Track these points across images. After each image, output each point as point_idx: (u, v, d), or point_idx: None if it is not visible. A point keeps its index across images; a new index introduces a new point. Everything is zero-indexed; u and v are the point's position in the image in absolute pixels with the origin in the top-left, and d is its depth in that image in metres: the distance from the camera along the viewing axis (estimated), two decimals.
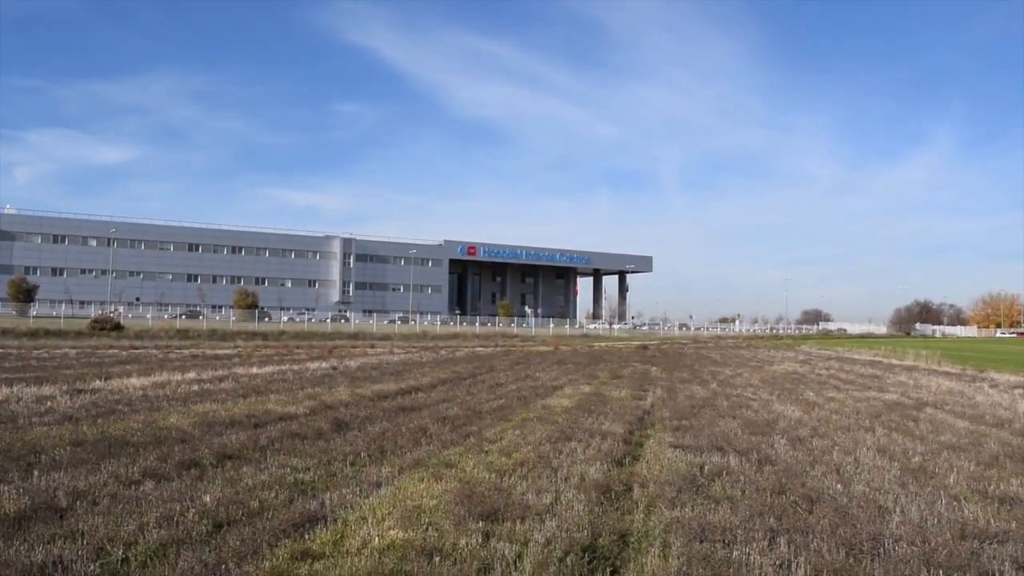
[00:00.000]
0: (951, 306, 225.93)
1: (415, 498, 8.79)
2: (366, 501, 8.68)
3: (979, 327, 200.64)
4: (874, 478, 10.36)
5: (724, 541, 7.30)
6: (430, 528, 7.58)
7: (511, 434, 13.71)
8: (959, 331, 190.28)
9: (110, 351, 37.27)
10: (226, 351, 40.75)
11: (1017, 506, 9.09)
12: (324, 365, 30.32)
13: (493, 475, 10.06)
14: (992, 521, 8.33)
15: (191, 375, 23.72)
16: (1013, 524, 8.25)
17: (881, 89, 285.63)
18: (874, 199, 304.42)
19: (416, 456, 11.53)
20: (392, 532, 7.40)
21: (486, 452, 11.94)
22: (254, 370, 26.92)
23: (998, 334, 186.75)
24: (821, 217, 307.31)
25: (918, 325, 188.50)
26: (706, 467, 10.91)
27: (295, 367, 28.99)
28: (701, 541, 7.27)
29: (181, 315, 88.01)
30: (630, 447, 12.81)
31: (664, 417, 16.79)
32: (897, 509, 8.62)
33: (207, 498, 8.48)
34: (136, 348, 40.77)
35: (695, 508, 8.54)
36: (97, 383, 20.39)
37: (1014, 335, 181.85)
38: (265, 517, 7.94)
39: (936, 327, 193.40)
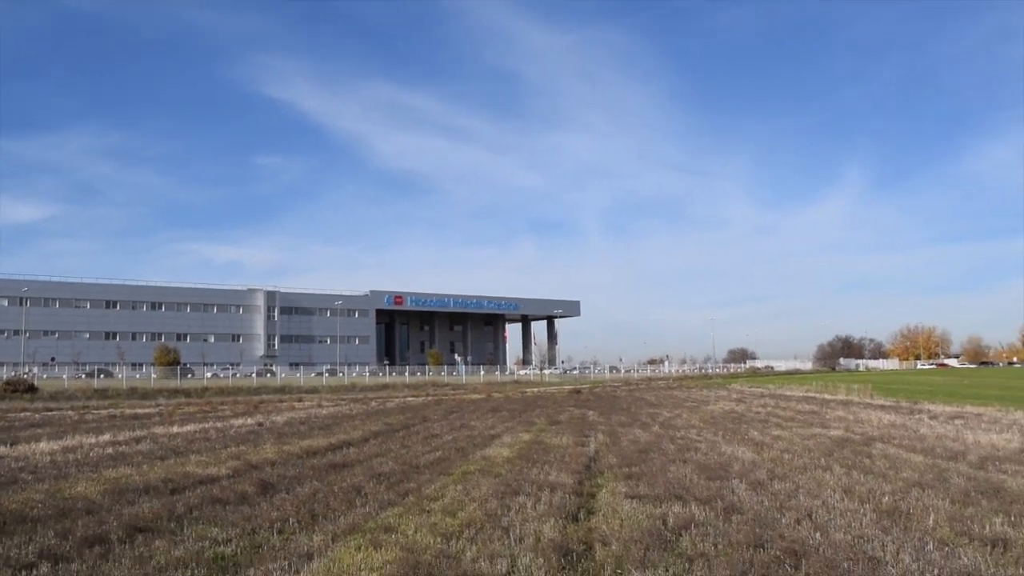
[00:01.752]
0: (871, 340, 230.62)
1: (352, 572, 7.76)
2: None
3: (900, 359, 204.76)
4: (851, 523, 9.61)
5: None
6: None
7: (453, 490, 12.70)
8: (881, 364, 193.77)
9: (22, 414, 35.17)
10: (147, 410, 38.90)
11: (1011, 548, 8.39)
12: (249, 421, 28.97)
13: (439, 539, 9.04)
14: (992, 567, 7.60)
15: (106, 437, 22.35)
16: (1022, 570, 7.53)
17: (793, 133, 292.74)
18: (792, 239, 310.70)
19: (351, 520, 10.44)
20: None
21: (428, 512, 10.90)
22: (174, 429, 25.53)
23: (918, 365, 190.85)
24: (742, 258, 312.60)
25: (842, 360, 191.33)
26: (669, 519, 10.04)
27: (219, 424, 27.67)
28: None
29: (91, 375, 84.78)
30: (582, 499, 11.89)
31: (612, 464, 15.93)
32: (888, 559, 7.86)
33: None
34: (51, 410, 38.63)
35: (668, 569, 7.65)
36: (1, 449, 18.92)
37: (933, 366, 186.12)
38: None
39: (859, 361, 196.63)
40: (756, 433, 22.48)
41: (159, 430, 25.21)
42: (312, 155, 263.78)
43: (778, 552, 8.06)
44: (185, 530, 9.90)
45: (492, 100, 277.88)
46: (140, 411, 37.93)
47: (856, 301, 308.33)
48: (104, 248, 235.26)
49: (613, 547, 8.66)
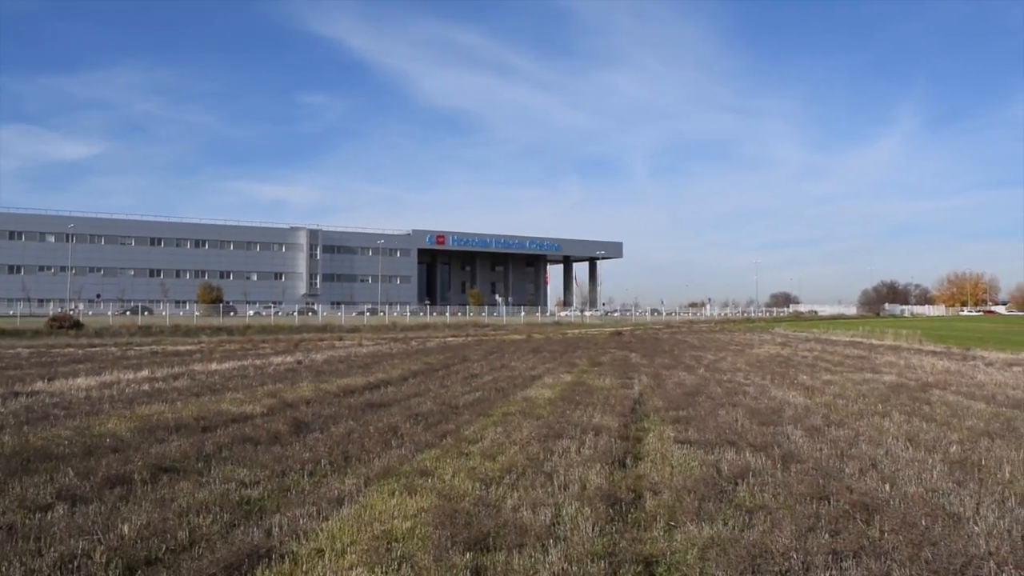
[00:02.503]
0: (917, 286, 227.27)
1: (385, 519, 7.23)
2: (324, 526, 7.08)
3: (946, 306, 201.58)
4: (920, 475, 8.90)
5: (780, 572, 5.79)
6: (403, 565, 6.00)
7: (493, 432, 12.17)
8: (927, 310, 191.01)
9: (66, 350, 35.23)
10: (188, 347, 38.87)
11: None
12: (289, 359, 28.71)
13: (477, 485, 8.50)
14: None
15: (144, 373, 22.16)
16: None
17: (846, 72, 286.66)
18: (840, 182, 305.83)
19: (386, 462, 9.93)
20: (355, 572, 5.84)
21: (466, 455, 10.37)
22: (213, 366, 25.34)
23: (964, 312, 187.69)
24: (788, 201, 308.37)
25: (887, 305, 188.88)
26: (723, 466, 9.41)
27: (258, 362, 27.44)
28: (753, 573, 5.75)
29: (134, 311, 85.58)
30: (629, 443, 11.29)
31: (658, 407, 15.32)
32: (968, 515, 7.18)
33: (126, 528, 6.87)
34: (94, 346, 38.77)
35: (727, 523, 7.03)
36: (39, 384, 18.73)
37: (980, 312, 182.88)
38: (193, 554, 6.35)
39: (904, 307, 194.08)
40: (805, 377, 21.74)
41: (198, 367, 25.03)
42: (357, 93, 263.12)
43: (846, 505, 7.39)
44: (212, 471, 9.45)
45: (541, 37, 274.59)
46: (181, 348, 37.90)
47: (903, 246, 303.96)
48: (151, 185, 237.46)
49: (664, 496, 8.06)
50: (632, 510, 7.64)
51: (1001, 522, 6.92)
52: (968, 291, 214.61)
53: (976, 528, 6.71)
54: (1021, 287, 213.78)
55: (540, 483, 8.57)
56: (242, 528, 7.06)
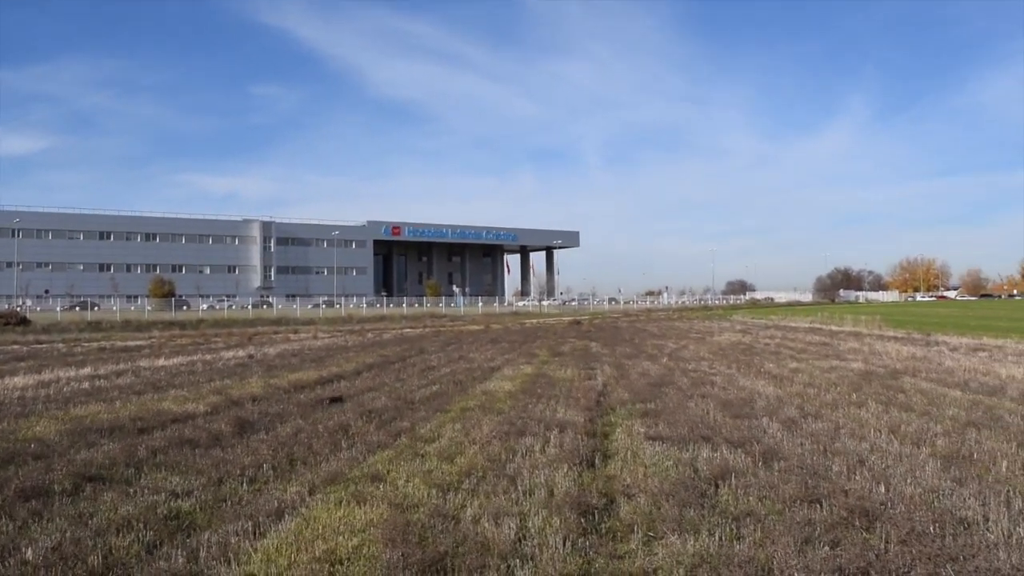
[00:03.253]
0: (870, 272, 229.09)
1: (328, 536, 6.41)
2: (260, 544, 6.25)
3: (899, 292, 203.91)
4: (913, 472, 8.24)
5: None
6: None
7: (451, 429, 11.40)
8: (881, 296, 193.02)
9: (11, 347, 33.82)
10: (138, 342, 37.67)
11: None
12: (240, 354, 27.80)
13: (434, 492, 7.70)
14: None
15: (87, 371, 21.28)
16: None
17: (796, 61, 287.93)
18: (793, 171, 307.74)
19: (334, 466, 9.11)
20: None
21: (422, 456, 9.57)
22: (160, 362, 24.38)
23: (918, 298, 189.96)
24: (742, 189, 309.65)
25: (841, 292, 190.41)
26: (700, 466, 8.70)
27: (208, 357, 26.53)
28: None
29: (83, 307, 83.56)
30: (597, 440, 10.55)
31: (624, 399, 14.62)
32: (978, 519, 6.52)
33: (30, 552, 5.99)
34: (40, 343, 37.33)
35: (713, 533, 6.27)
36: None
37: (933, 298, 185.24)
38: None
39: (859, 293, 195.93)
40: (772, 365, 21.20)
41: (144, 363, 24.07)
42: (309, 84, 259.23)
43: (842, 511, 6.67)
44: (142, 479, 8.60)
45: (492, 27, 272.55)
46: (131, 343, 36.71)
47: (856, 233, 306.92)
48: (101, 179, 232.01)
49: (640, 501, 7.31)
50: (605, 519, 6.89)
51: (1018, 529, 6.24)
52: (920, 277, 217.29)
53: (991, 536, 6.04)
54: (972, 272, 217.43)
55: (503, 488, 7.79)
56: (166, 549, 6.20)
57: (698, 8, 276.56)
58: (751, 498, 7.30)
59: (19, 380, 18.68)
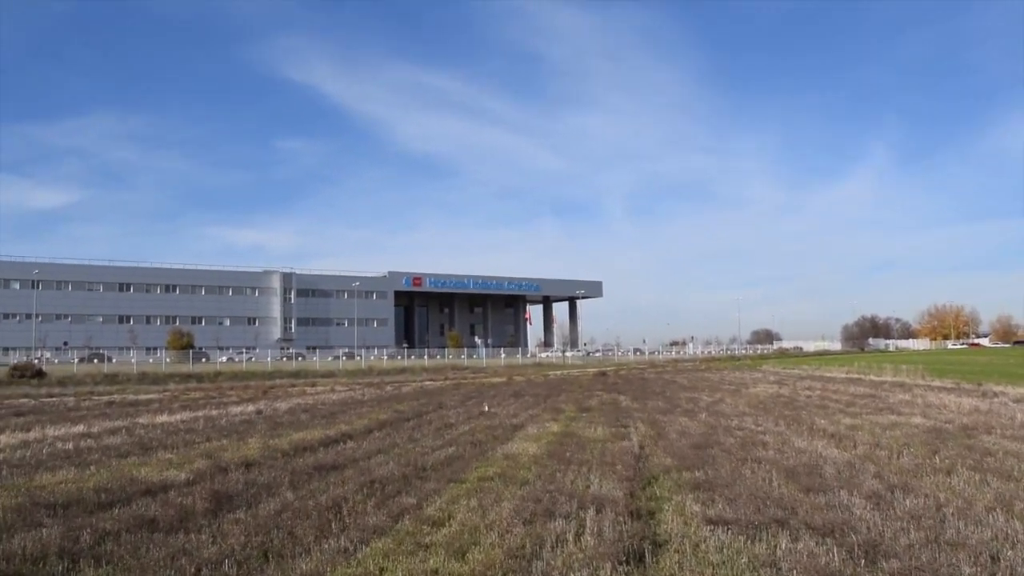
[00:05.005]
0: (898, 320, 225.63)
1: None
2: None
3: (929, 339, 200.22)
4: None
5: None
6: None
7: (465, 507, 9.47)
8: (911, 344, 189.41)
9: (20, 401, 32.29)
10: (151, 396, 36.10)
11: None
12: (249, 409, 26.10)
13: None
14: None
15: (78, 428, 19.81)
16: None
17: (818, 111, 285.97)
18: (816, 218, 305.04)
19: (314, 564, 7.18)
20: None
21: (426, 548, 7.63)
22: (162, 418, 22.77)
23: (949, 345, 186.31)
24: (766, 238, 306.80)
25: (871, 340, 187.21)
26: (783, 565, 6.73)
27: (214, 412, 24.87)
28: None
29: (97, 359, 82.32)
30: (642, 523, 8.56)
31: (666, 465, 12.64)
32: None
33: None
34: (52, 396, 35.88)
35: None
36: None
37: (965, 345, 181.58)
38: None
39: (888, 341, 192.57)
40: (823, 422, 19.13)
41: (144, 419, 22.50)
42: (333, 138, 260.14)
43: None
44: None
45: (515, 81, 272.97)
46: (143, 397, 35.17)
47: (880, 281, 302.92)
48: (129, 232, 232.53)
49: None
50: None
51: None
52: (950, 324, 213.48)
53: None
54: (1002, 319, 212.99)
55: None
56: None
57: (719, 60, 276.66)
58: None
59: (2, 439, 17.09)
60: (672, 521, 8.63)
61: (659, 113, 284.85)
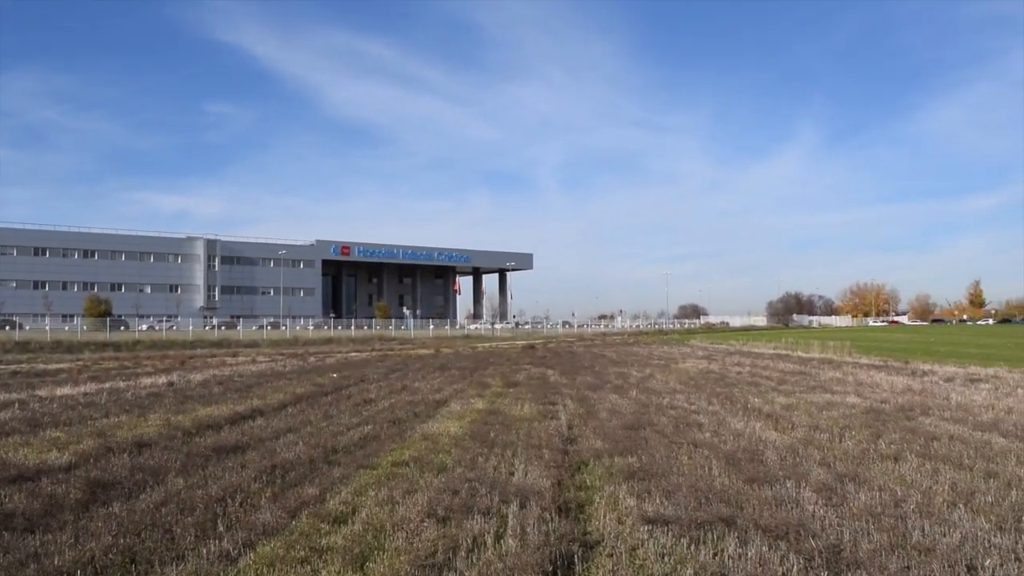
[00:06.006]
0: (821, 297, 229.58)
1: None
2: None
3: (851, 316, 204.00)
4: None
5: None
6: None
7: (373, 498, 8.42)
8: (834, 321, 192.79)
9: None
10: (61, 365, 34.27)
11: None
12: (161, 380, 24.65)
13: None
14: None
15: None
16: None
17: (750, 89, 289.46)
18: (744, 196, 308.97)
19: (189, 573, 6.10)
20: None
21: (321, 555, 6.54)
22: (64, 390, 21.32)
23: (870, 322, 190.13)
24: (695, 214, 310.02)
25: (795, 316, 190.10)
26: None
27: (122, 384, 23.43)
28: None
29: (3, 327, 79.21)
30: (571, 521, 7.58)
31: (597, 449, 11.72)
32: None
33: None
34: None
35: None
36: None
37: (885, 323, 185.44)
38: None
39: (811, 317, 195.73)
40: (757, 400, 18.46)
41: (44, 392, 21.05)
42: (263, 103, 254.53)
43: None
44: None
45: (449, 50, 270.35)
46: (53, 367, 33.37)
47: (806, 258, 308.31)
48: (52, 195, 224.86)
49: None
50: None
51: None
52: (871, 302, 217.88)
53: None
54: (920, 298, 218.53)
55: None
56: None
57: (653, 35, 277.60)
58: None
59: None
60: (605, 518, 7.66)
61: (593, 86, 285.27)
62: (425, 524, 7.28)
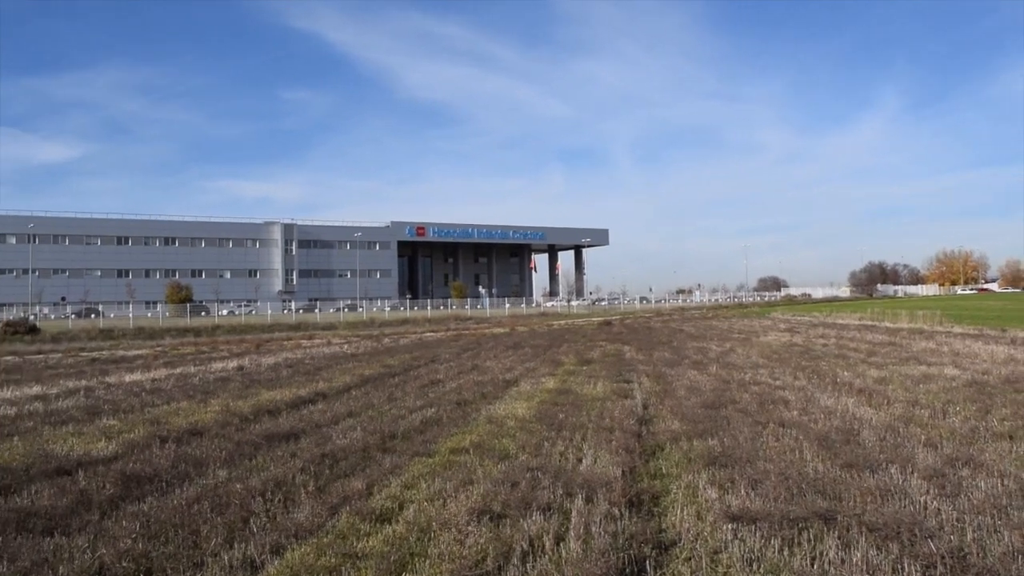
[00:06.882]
0: (905, 266, 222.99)
1: None
2: None
3: (938, 285, 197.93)
4: None
5: None
6: None
7: (423, 493, 7.60)
8: (920, 290, 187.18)
9: (7, 358, 30.51)
10: (140, 351, 34.36)
11: None
12: (232, 365, 24.42)
13: None
14: None
15: (35, 390, 18.50)
16: None
17: (828, 56, 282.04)
18: (824, 165, 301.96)
19: None
20: None
21: (355, 562, 5.74)
22: (135, 376, 21.21)
23: (959, 291, 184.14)
24: (773, 185, 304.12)
25: (879, 286, 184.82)
26: None
27: (193, 369, 23.20)
28: None
29: (87, 314, 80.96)
30: (643, 520, 6.65)
31: (674, 431, 10.75)
32: None
33: None
34: (42, 353, 34.03)
35: None
36: None
37: (974, 291, 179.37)
38: None
39: (897, 287, 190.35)
40: (847, 374, 17.24)
41: (113, 378, 20.70)
42: (339, 88, 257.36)
43: None
44: None
45: (522, 28, 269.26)
46: (133, 353, 33.50)
47: (889, 227, 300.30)
48: (136, 185, 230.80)
49: None
50: None
51: None
52: (958, 270, 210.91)
53: None
54: (1010, 264, 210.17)
55: None
56: None
57: (728, 4, 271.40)
58: None
59: None
60: (682, 513, 6.71)
61: (666, 59, 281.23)
62: (474, 523, 6.42)
